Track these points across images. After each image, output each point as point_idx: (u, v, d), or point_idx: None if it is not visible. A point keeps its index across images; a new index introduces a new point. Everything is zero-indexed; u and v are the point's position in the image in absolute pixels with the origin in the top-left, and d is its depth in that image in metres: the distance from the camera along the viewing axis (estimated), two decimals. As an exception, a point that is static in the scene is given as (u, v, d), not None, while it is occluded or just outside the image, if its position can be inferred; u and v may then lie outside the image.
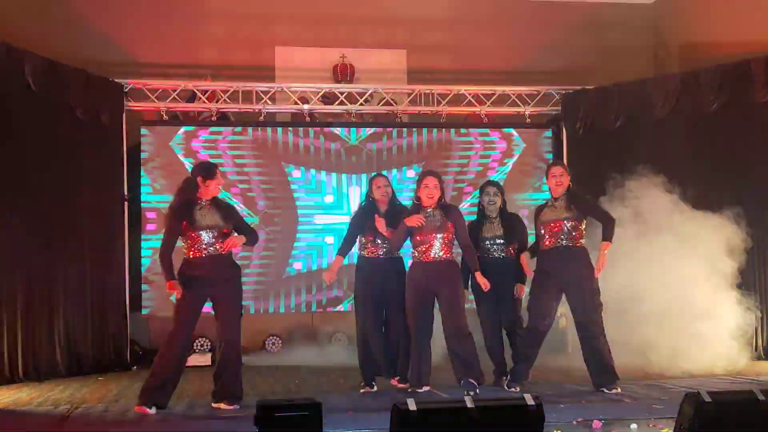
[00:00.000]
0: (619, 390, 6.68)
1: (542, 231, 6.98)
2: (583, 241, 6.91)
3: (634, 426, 5.45)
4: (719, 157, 8.63)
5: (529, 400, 3.91)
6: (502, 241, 7.27)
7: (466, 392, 6.25)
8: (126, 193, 9.60)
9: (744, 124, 8.93)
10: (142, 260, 9.71)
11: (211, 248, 6.32)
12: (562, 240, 6.86)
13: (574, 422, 5.65)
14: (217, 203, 6.45)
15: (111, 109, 9.43)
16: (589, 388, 7.02)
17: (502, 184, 7.89)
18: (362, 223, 7.30)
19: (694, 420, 3.82)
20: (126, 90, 9.77)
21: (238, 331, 6.55)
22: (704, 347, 7.79)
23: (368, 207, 7.37)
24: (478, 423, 3.87)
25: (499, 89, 10.60)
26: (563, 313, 10.19)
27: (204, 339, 9.73)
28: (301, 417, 3.86)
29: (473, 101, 10.59)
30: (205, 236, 6.31)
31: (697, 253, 7.91)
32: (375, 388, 7.23)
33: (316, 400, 3.99)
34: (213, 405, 6.44)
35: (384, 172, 8.06)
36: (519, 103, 10.63)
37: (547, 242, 6.92)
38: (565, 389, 7.14)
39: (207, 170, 6.45)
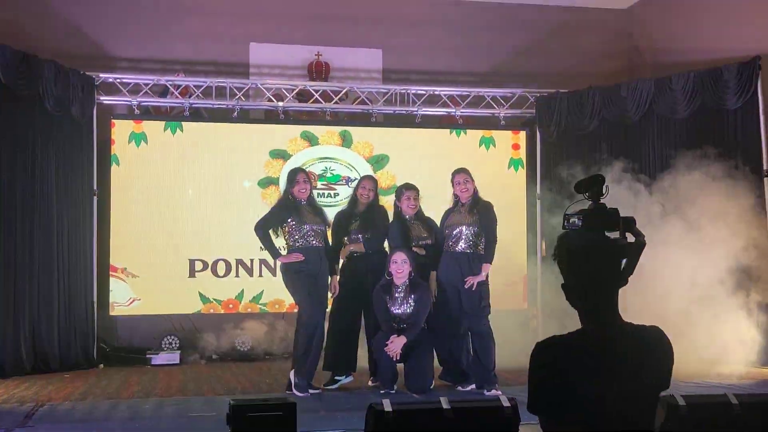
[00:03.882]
0: (499, 392, 6.69)
1: (446, 232, 7.21)
2: (481, 248, 7.09)
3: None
4: (691, 162, 8.65)
5: (505, 401, 3.89)
6: (431, 241, 7.42)
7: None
8: (96, 187, 9.45)
9: (716, 130, 9.00)
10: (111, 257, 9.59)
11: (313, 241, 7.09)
12: (462, 244, 7.09)
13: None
14: (311, 203, 7.28)
15: (81, 102, 9.27)
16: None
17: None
18: (345, 225, 7.48)
19: (666, 423, 3.82)
20: (97, 83, 9.62)
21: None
22: (694, 352, 7.78)
23: (348, 207, 7.60)
24: (453, 424, 3.84)
25: (474, 91, 10.60)
26: (534, 315, 10.24)
27: (172, 337, 9.61)
28: (274, 417, 3.81)
29: (448, 102, 10.58)
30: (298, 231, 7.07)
31: (677, 256, 7.94)
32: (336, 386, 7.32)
33: (289, 400, 3.95)
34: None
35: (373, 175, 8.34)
36: (494, 105, 10.63)
37: (450, 245, 7.15)
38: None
39: (288, 180, 7.31)
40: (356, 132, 10.37)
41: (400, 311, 7.02)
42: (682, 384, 7.09)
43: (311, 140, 10.22)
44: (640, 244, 4.03)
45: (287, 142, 10.15)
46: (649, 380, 2.40)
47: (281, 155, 10.11)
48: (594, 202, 3.94)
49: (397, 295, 7.02)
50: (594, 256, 2.52)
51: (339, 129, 10.32)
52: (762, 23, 9.16)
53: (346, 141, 10.31)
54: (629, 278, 5.03)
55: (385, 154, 10.35)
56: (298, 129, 10.25)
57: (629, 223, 4.02)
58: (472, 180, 7.22)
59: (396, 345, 6.87)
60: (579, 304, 2.52)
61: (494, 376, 7.02)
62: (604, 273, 2.51)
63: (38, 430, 5.58)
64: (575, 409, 2.36)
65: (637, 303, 7.11)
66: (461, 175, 7.24)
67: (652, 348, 2.46)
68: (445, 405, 3.89)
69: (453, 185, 7.28)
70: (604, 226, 3.89)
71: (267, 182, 10.04)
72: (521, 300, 10.33)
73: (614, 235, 4.02)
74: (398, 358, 6.94)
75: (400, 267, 6.97)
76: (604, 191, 3.91)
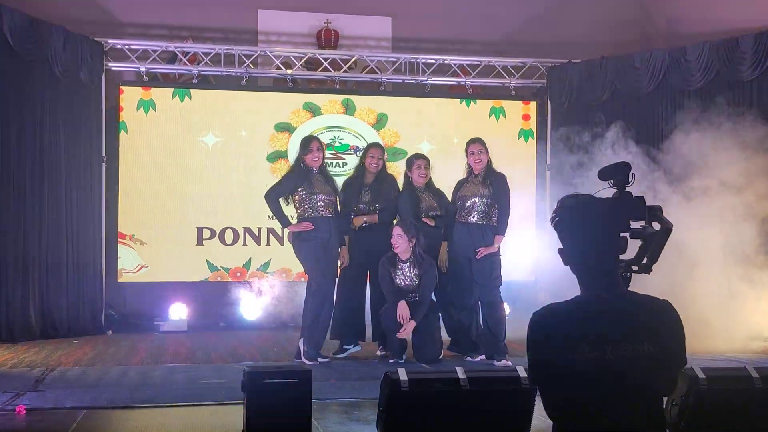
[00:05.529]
0: (509, 363, 6.69)
1: (458, 203, 7.14)
2: (494, 220, 7.02)
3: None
4: (704, 134, 8.56)
5: (522, 372, 3.86)
6: (440, 212, 7.37)
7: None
8: (104, 154, 9.42)
9: (731, 101, 8.88)
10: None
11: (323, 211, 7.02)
12: (474, 215, 7.02)
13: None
14: (323, 173, 7.15)
15: (90, 67, 9.21)
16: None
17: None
18: (355, 195, 7.41)
19: (687, 395, 3.81)
20: (106, 49, 9.54)
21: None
22: (717, 327, 7.72)
23: (356, 177, 7.50)
24: (468, 394, 3.82)
25: (485, 60, 10.49)
26: (543, 287, 10.20)
27: (180, 304, 9.61)
28: (290, 384, 3.79)
29: (458, 71, 10.48)
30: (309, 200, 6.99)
31: (694, 230, 7.87)
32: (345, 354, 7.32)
33: (305, 367, 3.93)
34: None
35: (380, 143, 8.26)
36: (504, 74, 10.53)
37: (462, 216, 7.08)
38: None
39: (301, 147, 7.18)
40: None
41: (404, 285, 7.00)
42: (698, 357, 7.06)
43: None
44: (665, 230, 3.91)
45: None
46: (652, 351, 2.26)
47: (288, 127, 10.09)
48: (619, 190, 3.84)
49: (401, 267, 7.00)
50: (589, 218, 2.41)
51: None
52: (780, -8, 9.04)
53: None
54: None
55: (385, 113, 10.32)
56: (323, 98, 10.24)
57: (656, 212, 3.89)
58: (487, 151, 7.14)
59: (407, 330, 6.89)
60: (575, 269, 2.41)
61: (504, 346, 7.02)
62: (600, 236, 2.40)
63: (49, 394, 5.57)
64: (575, 380, 2.26)
65: (663, 280, 7.14)
66: (476, 145, 7.16)
67: (658, 319, 2.33)
68: (461, 375, 3.87)
69: (467, 155, 7.19)
70: (629, 216, 3.78)
71: (276, 156, 10.00)
72: (530, 272, 10.30)
73: (640, 224, 3.90)
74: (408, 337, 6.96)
75: (396, 241, 6.93)
76: (630, 179, 3.79)
